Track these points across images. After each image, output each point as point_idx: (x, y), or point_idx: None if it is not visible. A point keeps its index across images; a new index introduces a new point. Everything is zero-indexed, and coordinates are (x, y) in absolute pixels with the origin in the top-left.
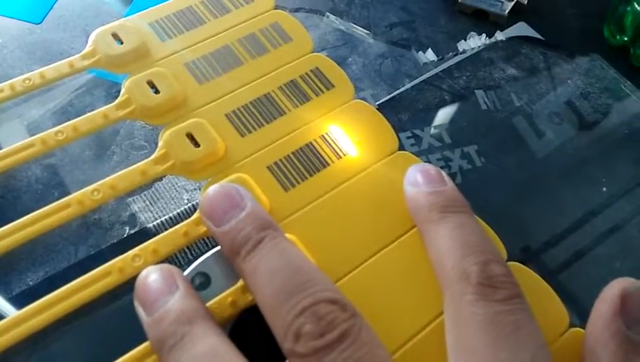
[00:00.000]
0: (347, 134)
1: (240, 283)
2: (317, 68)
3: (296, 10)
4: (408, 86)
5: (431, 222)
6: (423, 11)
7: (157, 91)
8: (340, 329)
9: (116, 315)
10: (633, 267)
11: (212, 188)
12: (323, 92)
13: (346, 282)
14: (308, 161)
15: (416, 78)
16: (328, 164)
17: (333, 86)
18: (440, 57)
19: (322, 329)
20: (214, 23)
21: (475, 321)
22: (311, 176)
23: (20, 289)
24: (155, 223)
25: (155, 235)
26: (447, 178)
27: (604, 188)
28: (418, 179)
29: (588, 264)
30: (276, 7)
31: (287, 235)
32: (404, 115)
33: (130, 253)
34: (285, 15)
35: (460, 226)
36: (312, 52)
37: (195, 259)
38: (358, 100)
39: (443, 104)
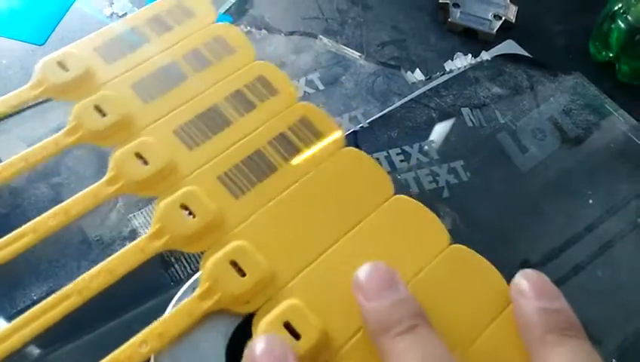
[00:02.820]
0: (293, 137)
1: None
2: (262, 75)
3: (291, 33)
4: (398, 104)
5: (546, 343)
6: (414, 30)
7: (104, 114)
8: None
9: (117, 333)
10: (616, 278)
11: (370, 264)
12: (268, 98)
13: (301, 279)
14: (256, 168)
15: (406, 96)
16: (277, 168)
17: (277, 92)
18: (428, 77)
19: None
20: (161, 41)
21: None
22: (260, 181)
23: (25, 303)
24: None
25: None
26: (560, 293)
27: (590, 201)
28: (525, 287)
29: (572, 274)
30: (270, 31)
31: (241, 241)
32: (393, 132)
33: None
34: (227, 26)
35: (579, 354)
36: (255, 61)
37: (195, 272)
38: (304, 103)
39: (431, 121)
